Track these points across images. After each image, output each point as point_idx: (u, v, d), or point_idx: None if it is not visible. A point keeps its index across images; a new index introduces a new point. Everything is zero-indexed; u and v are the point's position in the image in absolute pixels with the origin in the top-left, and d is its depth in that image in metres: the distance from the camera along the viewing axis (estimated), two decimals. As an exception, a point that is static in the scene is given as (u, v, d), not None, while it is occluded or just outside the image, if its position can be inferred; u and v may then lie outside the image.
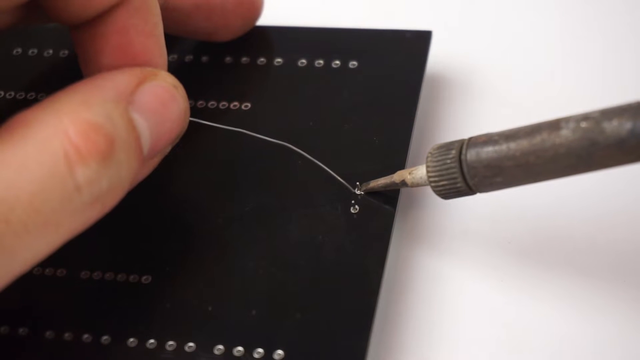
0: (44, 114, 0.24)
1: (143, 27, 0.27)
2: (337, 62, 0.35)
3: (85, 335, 0.28)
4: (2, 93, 0.35)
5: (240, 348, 0.27)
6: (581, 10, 0.38)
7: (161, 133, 0.27)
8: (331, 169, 0.31)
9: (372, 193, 0.31)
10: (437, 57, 0.36)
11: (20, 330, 0.28)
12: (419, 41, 0.35)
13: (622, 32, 0.37)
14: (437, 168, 0.28)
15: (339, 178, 0.31)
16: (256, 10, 0.34)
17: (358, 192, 0.31)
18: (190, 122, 0.28)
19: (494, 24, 0.38)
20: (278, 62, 0.35)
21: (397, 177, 0.30)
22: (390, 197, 0.30)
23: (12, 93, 0.35)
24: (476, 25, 0.38)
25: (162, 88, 0.27)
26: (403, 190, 0.31)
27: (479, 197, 0.30)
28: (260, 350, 0.27)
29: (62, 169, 0.24)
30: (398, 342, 0.29)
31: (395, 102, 0.33)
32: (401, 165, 0.31)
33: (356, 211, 0.30)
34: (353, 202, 0.30)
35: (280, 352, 0.27)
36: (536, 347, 0.28)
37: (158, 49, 0.27)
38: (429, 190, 0.29)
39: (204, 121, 0.31)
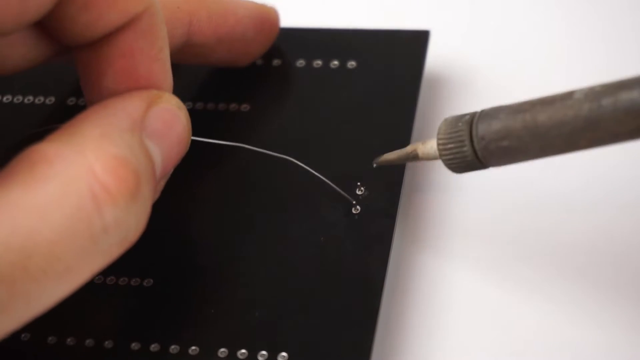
0: (66, 150, 0.23)
1: (149, 51, 0.26)
2: (336, 62, 0.35)
3: (88, 340, 0.28)
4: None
5: (243, 350, 0.27)
6: (582, 9, 0.38)
7: (170, 157, 0.26)
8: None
9: (372, 195, 0.30)
10: (436, 56, 0.36)
11: (22, 335, 0.28)
12: (417, 41, 0.35)
13: (623, 32, 0.37)
14: (448, 131, 0.28)
15: (338, 188, 0.31)
16: (275, 33, 0.34)
17: (359, 192, 0.31)
18: None
19: (493, 23, 0.38)
20: (276, 63, 0.35)
21: (409, 148, 0.29)
22: (391, 197, 0.30)
23: (10, 97, 0.35)
24: (475, 24, 0.38)
25: (168, 111, 0.26)
26: (404, 191, 0.31)
27: (479, 197, 0.30)
28: (264, 352, 0.27)
29: (89, 211, 0.23)
30: (401, 343, 0.29)
31: (394, 101, 0.33)
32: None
33: (357, 212, 0.30)
34: (354, 202, 0.30)
35: (284, 354, 0.27)
36: (537, 349, 0.28)
37: (163, 73, 0.27)
38: (430, 190, 0.29)
39: (205, 139, 0.31)
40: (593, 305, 0.29)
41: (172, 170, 0.27)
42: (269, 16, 0.34)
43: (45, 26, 0.26)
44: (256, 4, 0.33)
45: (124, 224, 0.24)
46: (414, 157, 0.29)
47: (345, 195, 0.30)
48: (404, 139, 0.32)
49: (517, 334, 0.29)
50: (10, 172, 0.23)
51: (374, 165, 0.31)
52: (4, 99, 0.35)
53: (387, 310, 0.29)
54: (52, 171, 0.23)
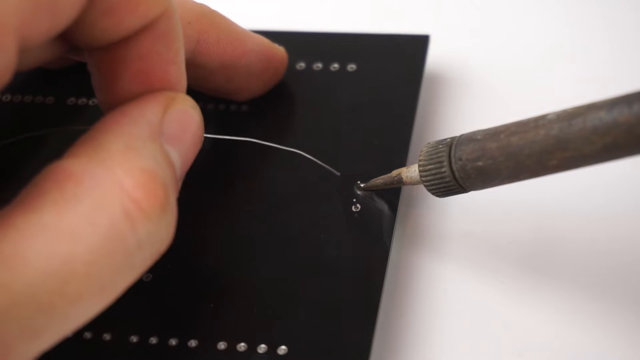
0: (93, 166, 0.23)
1: (166, 54, 0.26)
2: (336, 65, 0.35)
3: (86, 333, 0.28)
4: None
5: (243, 344, 0.27)
6: (582, 10, 0.38)
7: (187, 158, 0.26)
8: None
9: (373, 192, 0.31)
10: (436, 57, 0.36)
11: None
12: (417, 45, 0.35)
13: (623, 32, 0.37)
14: (429, 153, 0.28)
15: (321, 162, 0.31)
16: (278, 77, 0.34)
17: (359, 191, 0.31)
18: None
19: (493, 25, 0.38)
20: (277, 65, 0.35)
21: (394, 173, 0.30)
22: (391, 196, 0.30)
23: (9, 97, 0.35)
24: (475, 25, 0.38)
25: (184, 113, 0.26)
26: (404, 191, 0.31)
27: (479, 197, 0.30)
28: (264, 346, 0.27)
29: (123, 229, 0.23)
30: (399, 341, 0.29)
31: (394, 104, 0.33)
32: (401, 167, 0.31)
33: (357, 210, 0.30)
34: (354, 200, 0.30)
35: (283, 347, 0.27)
36: (536, 349, 0.28)
37: (179, 76, 0.26)
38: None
39: (216, 135, 0.31)
40: (593, 306, 0.29)
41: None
42: (277, 57, 0.33)
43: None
44: (267, 41, 0.33)
45: (156, 237, 0.24)
46: (399, 181, 0.30)
47: (332, 169, 0.31)
48: (404, 142, 0.32)
49: (515, 335, 0.29)
50: (38, 193, 0.23)
51: (360, 192, 0.31)
52: (4, 98, 0.35)
53: (385, 308, 0.29)
54: (82, 190, 0.23)
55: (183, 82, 0.27)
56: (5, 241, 0.22)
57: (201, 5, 0.31)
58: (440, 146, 0.28)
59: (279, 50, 0.33)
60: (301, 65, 0.35)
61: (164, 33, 0.26)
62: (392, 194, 0.31)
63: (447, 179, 0.28)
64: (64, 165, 0.23)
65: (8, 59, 0.22)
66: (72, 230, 0.22)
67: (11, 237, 0.22)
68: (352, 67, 0.35)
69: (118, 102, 0.26)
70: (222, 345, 0.27)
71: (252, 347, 0.27)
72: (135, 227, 0.23)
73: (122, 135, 0.24)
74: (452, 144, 0.28)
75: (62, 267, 0.22)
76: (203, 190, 0.31)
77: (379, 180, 0.30)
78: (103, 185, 0.23)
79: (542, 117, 0.26)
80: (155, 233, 0.23)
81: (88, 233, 0.22)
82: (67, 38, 0.25)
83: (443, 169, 0.28)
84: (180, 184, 0.27)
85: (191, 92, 0.34)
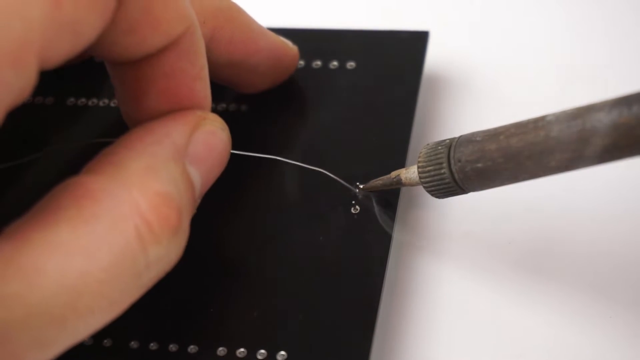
0: (112, 185, 0.23)
1: (190, 70, 0.26)
2: (335, 63, 0.35)
3: (87, 339, 0.28)
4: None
5: (242, 349, 0.27)
6: (582, 9, 0.38)
7: (209, 178, 0.26)
8: (330, 170, 0.31)
9: (372, 194, 0.31)
10: (436, 56, 0.36)
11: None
12: (417, 41, 0.35)
13: (623, 32, 0.37)
14: (428, 154, 0.28)
15: (341, 180, 0.31)
16: (287, 75, 0.34)
17: (358, 192, 0.31)
18: None
19: (493, 23, 0.38)
20: (276, 63, 0.35)
21: (393, 174, 0.30)
22: (390, 198, 0.30)
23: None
24: (475, 24, 0.38)
25: (212, 134, 0.26)
26: (403, 191, 0.31)
27: (479, 198, 0.30)
28: (263, 351, 0.27)
29: (134, 250, 0.23)
30: (399, 343, 0.29)
31: (394, 102, 0.33)
32: (401, 166, 0.31)
33: (357, 212, 0.30)
34: (353, 202, 0.30)
35: (283, 353, 0.27)
36: (536, 350, 0.28)
37: (204, 92, 0.26)
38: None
39: (238, 151, 0.31)
40: (593, 307, 0.29)
41: None
42: (287, 56, 0.33)
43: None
44: (280, 39, 0.33)
45: (165, 259, 0.24)
46: (398, 182, 0.30)
47: (348, 185, 0.31)
48: (404, 140, 0.32)
49: (515, 336, 0.29)
50: (55, 208, 0.23)
51: (359, 193, 0.31)
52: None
53: (387, 309, 0.29)
54: (99, 209, 0.23)
55: (208, 98, 0.27)
56: (23, 254, 0.22)
57: None
58: (440, 147, 0.28)
59: (291, 49, 0.33)
60: (300, 63, 0.35)
61: (188, 50, 0.26)
62: (392, 194, 0.31)
63: (447, 181, 0.28)
64: (83, 182, 0.24)
65: (29, 79, 0.22)
66: (88, 248, 0.23)
67: (29, 251, 0.22)
68: (351, 64, 0.34)
69: (143, 117, 0.26)
70: (221, 351, 0.27)
71: (251, 352, 0.27)
72: (145, 249, 0.23)
73: (144, 154, 0.25)
74: (451, 145, 0.28)
75: (76, 283, 0.22)
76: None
77: (378, 181, 0.30)
78: (120, 205, 0.23)
79: (542, 119, 0.26)
80: (164, 255, 0.24)
81: (103, 252, 0.23)
82: (93, 52, 0.25)
83: (442, 171, 0.28)
84: (199, 201, 0.27)
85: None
